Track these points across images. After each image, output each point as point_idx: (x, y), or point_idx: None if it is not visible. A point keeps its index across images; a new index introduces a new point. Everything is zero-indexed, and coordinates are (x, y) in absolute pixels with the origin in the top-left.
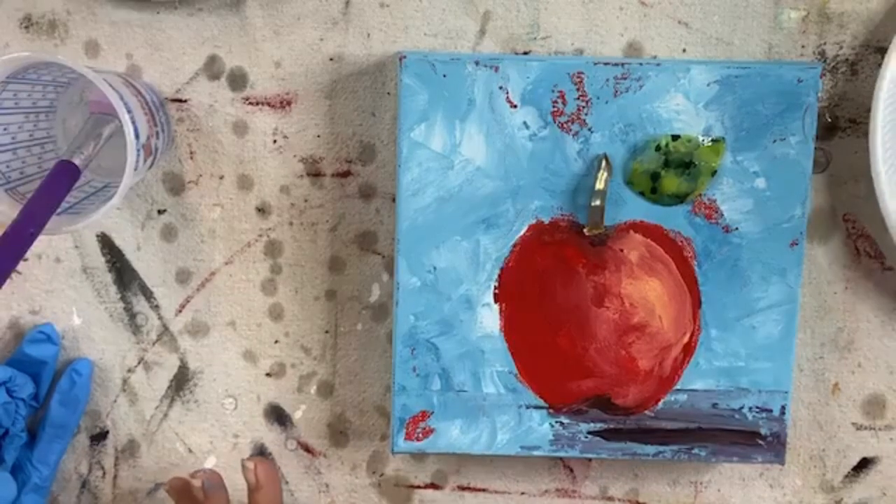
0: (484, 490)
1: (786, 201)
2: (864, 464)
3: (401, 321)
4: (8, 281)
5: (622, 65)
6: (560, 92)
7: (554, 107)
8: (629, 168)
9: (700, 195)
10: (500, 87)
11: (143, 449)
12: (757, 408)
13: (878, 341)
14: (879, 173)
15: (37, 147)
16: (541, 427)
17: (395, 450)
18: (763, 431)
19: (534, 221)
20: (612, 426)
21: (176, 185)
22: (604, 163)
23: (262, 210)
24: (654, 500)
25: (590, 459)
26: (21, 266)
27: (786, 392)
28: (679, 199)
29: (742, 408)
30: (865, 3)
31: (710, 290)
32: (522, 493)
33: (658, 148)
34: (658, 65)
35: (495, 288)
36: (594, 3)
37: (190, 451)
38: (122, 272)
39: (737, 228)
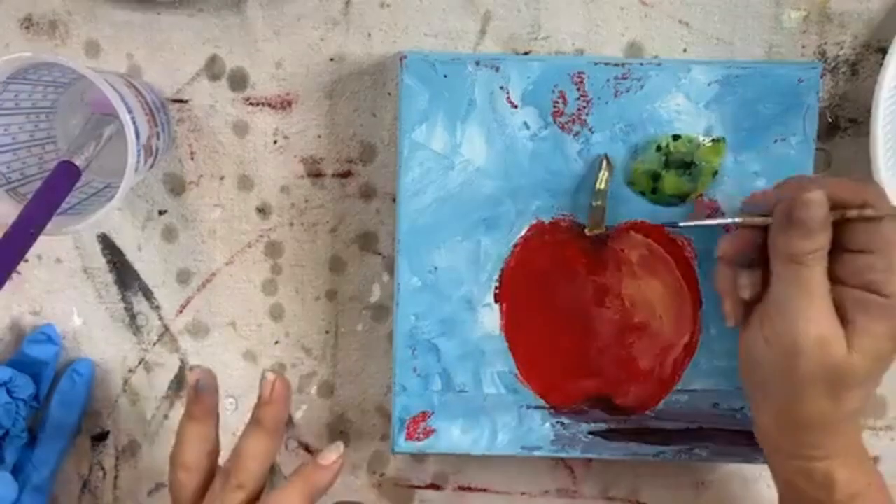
0: (484, 490)
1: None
2: None
3: (401, 321)
4: (8, 281)
5: (623, 65)
6: (561, 92)
7: (554, 107)
8: (630, 168)
9: (701, 195)
10: (501, 88)
11: (144, 449)
12: None
13: None
14: (879, 173)
15: (37, 147)
16: (541, 427)
17: (396, 450)
18: None
19: (534, 221)
20: (612, 426)
21: (176, 186)
22: (605, 163)
23: (262, 210)
24: (654, 500)
25: (590, 459)
26: (22, 266)
27: None
28: (680, 199)
29: (743, 408)
30: (865, 3)
31: (711, 290)
32: (523, 493)
33: (659, 148)
34: (659, 65)
35: (496, 288)
36: (595, 3)
37: None
38: (123, 273)
39: (737, 228)
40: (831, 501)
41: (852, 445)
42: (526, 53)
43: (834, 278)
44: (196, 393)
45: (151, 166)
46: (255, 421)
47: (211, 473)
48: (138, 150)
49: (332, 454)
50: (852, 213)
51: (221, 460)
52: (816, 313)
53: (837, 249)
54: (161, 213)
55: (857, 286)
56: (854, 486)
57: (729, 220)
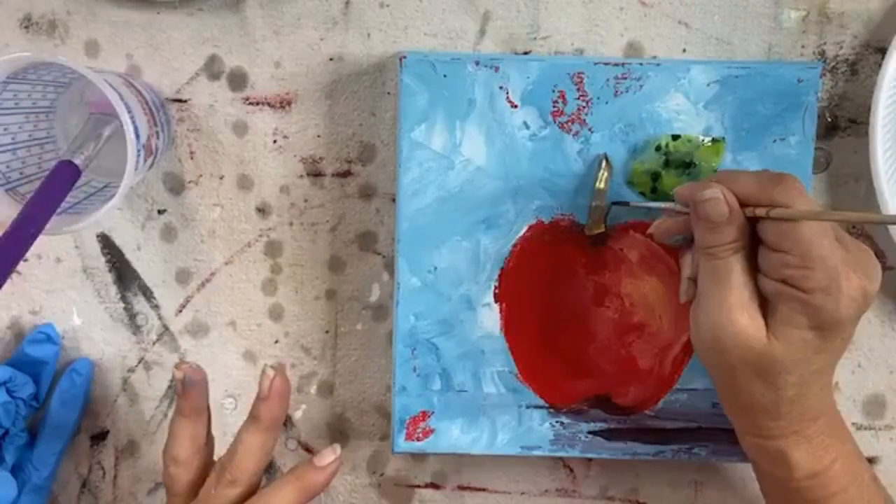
0: (484, 490)
1: None
2: None
3: (401, 321)
4: (8, 281)
5: (622, 65)
6: (560, 92)
7: (554, 107)
8: (629, 168)
9: None
10: (501, 87)
11: (144, 449)
12: None
13: (878, 341)
14: (879, 173)
15: (37, 147)
16: (541, 427)
17: (396, 450)
18: None
19: (534, 221)
20: (612, 426)
21: (176, 185)
22: (604, 163)
23: (262, 210)
24: (654, 499)
25: (590, 459)
26: (21, 266)
27: None
28: None
29: None
30: (865, 3)
31: None
32: (522, 493)
33: (658, 148)
34: (658, 65)
35: (495, 288)
36: (594, 3)
37: None
38: (123, 272)
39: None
40: (793, 480)
41: (803, 429)
42: (525, 53)
43: (758, 269)
44: (184, 388)
45: (151, 166)
46: (252, 416)
47: (204, 468)
48: (138, 150)
49: (328, 456)
50: (760, 211)
51: (217, 455)
52: (732, 305)
53: (759, 242)
54: (160, 212)
55: (777, 280)
56: (815, 466)
57: (666, 205)
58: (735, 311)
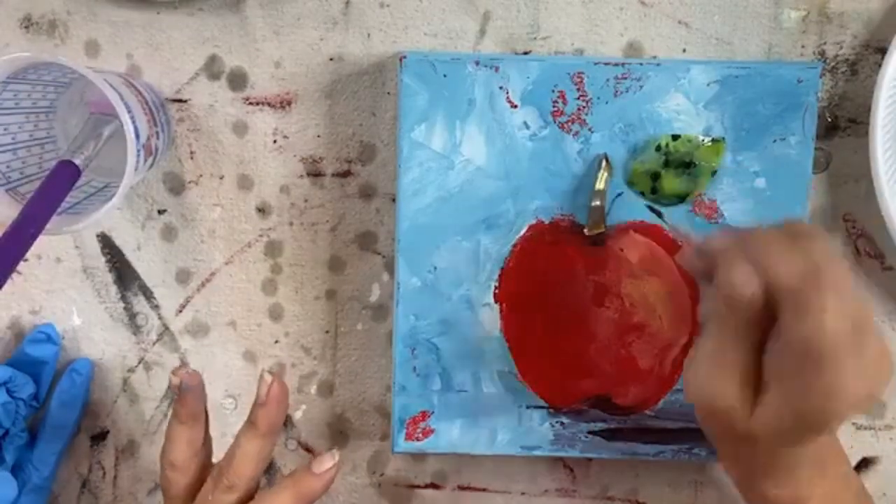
0: (484, 490)
1: (786, 201)
2: (864, 464)
3: (401, 321)
4: (8, 281)
5: (622, 65)
6: (560, 92)
7: (554, 107)
8: (629, 168)
9: (700, 195)
10: (501, 87)
11: (144, 449)
12: None
13: None
14: (879, 173)
15: (37, 147)
16: (541, 427)
17: (396, 450)
18: None
19: (534, 221)
20: (612, 426)
21: (176, 185)
22: (604, 163)
23: (262, 210)
24: (654, 499)
25: (590, 459)
26: (21, 266)
27: None
28: (679, 198)
29: None
30: (865, 3)
31: None
32: (522, 493)
33: (658, 148)
34: (658, 65)
35: (495, 288)
36: (594, 3)
37: None
38: (123, 272)
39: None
40: None
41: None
42: (525, 53)
43: (767, 339)
44: (180, 394)
45: (151, 166)
46: (249, 422)
47: (202, 472)
48: (138, 150)
49: (326, 462)
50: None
51: (217, 459)
52: (726, 378)
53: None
54: (161, 212)
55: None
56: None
57: (695, 238)
58: (728, 385)
